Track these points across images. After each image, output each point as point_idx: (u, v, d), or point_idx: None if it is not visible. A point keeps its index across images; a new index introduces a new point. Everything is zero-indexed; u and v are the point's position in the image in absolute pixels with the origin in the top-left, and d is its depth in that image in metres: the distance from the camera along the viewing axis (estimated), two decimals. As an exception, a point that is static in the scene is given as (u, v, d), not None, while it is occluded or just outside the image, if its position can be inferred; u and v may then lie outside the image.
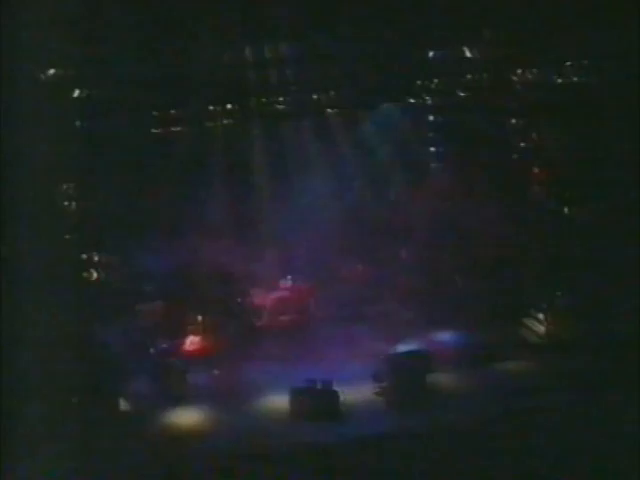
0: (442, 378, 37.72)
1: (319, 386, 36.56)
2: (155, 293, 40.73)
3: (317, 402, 36.04)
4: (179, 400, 36.58)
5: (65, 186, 37.43)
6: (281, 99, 41.14)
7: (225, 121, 40.83)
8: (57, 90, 36.67)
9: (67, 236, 37.28)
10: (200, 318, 40.58)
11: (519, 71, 42.40)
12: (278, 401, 36.37)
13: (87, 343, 35.78)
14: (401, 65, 41.20)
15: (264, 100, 40.87)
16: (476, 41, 41.67)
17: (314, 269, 42.35)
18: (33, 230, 34.75)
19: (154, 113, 39.61)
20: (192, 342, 40.08)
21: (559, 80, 42.45)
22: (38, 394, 33.34)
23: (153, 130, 39.65)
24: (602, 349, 37.07)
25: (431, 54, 41.73)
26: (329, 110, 41.84)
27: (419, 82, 42.10)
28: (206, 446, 33.79)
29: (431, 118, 43.30)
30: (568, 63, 42.18)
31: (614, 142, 40.07)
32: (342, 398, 36.18)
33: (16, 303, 33.90)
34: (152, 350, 38.76)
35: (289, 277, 42.80)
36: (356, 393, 36.51)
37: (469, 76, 42.26)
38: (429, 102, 42.63)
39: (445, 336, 40.04)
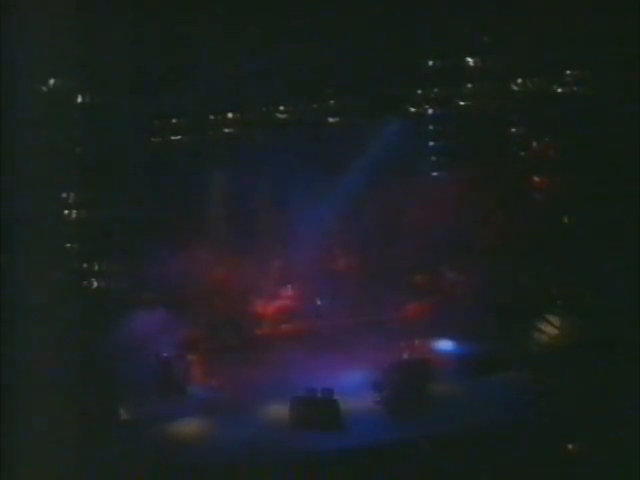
0: (442, 387, 37.74)
1: (319, 395, 36.61)
2: (156, 302, 40.63)
3: (317, 411, 36.08)
4: (179, 409, 36.58)
5: (65, 195, 37.47)
6: (282, 108, 41.17)
7: (226, 130, 40.84)
8: (58, 99, 36.75)
9: (68, 245, 37.31)
10: (201, 326, 40.58)
11: (519, 80, 42.48)
12: (279, 410, 36.38)
13: (87, 351, 35.78)
14: (402, 74, 41.29)
15: (264, 109, 40.90)
16: (476, 50, 41.77)
17: (315, 278, 42.31)
18: (33, 239, 34.82)
19: (155, 122, 39.65)
20: (193, 350, 40.09)
21: (559, 89, 42.54)
22: (38, 401, 33.35)
23: (154, 139, 39.67)
24: (602, 358, 37.13)
25: (431, 63, 41.78)
26: (330, 119, 41.86)
27: (420, 91, 42.14)
28: (207, 455, 33.83)
29: (431, 127, 43.29)
30: (568, 72, 42.28)
31: (614, 151, 40.18)
32: (342, 407, 36.22)
33: (16, 309, 33.97)
34: (153, 359, 38.76)
35: (289, 286, 42.76)
36: (356, 402, 36.54)
37: (469, 85, 42.33)
38: (430, 111, 42.64)
39: (445, 346, 40.07)
